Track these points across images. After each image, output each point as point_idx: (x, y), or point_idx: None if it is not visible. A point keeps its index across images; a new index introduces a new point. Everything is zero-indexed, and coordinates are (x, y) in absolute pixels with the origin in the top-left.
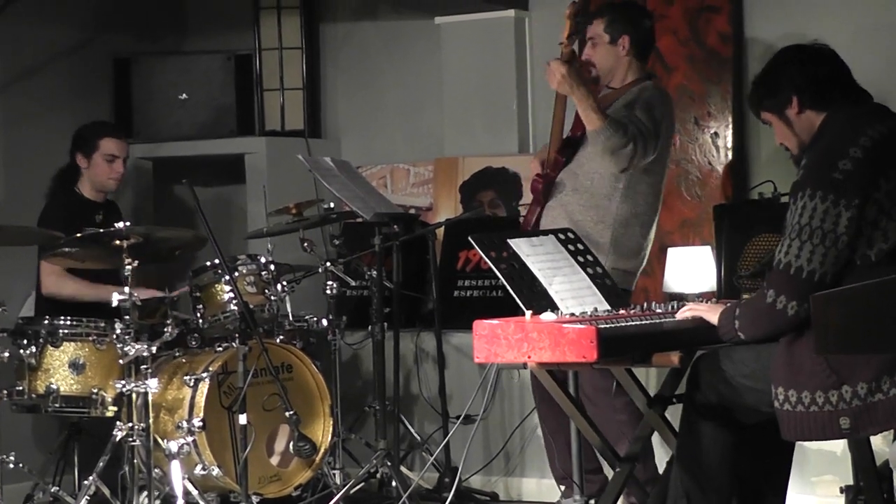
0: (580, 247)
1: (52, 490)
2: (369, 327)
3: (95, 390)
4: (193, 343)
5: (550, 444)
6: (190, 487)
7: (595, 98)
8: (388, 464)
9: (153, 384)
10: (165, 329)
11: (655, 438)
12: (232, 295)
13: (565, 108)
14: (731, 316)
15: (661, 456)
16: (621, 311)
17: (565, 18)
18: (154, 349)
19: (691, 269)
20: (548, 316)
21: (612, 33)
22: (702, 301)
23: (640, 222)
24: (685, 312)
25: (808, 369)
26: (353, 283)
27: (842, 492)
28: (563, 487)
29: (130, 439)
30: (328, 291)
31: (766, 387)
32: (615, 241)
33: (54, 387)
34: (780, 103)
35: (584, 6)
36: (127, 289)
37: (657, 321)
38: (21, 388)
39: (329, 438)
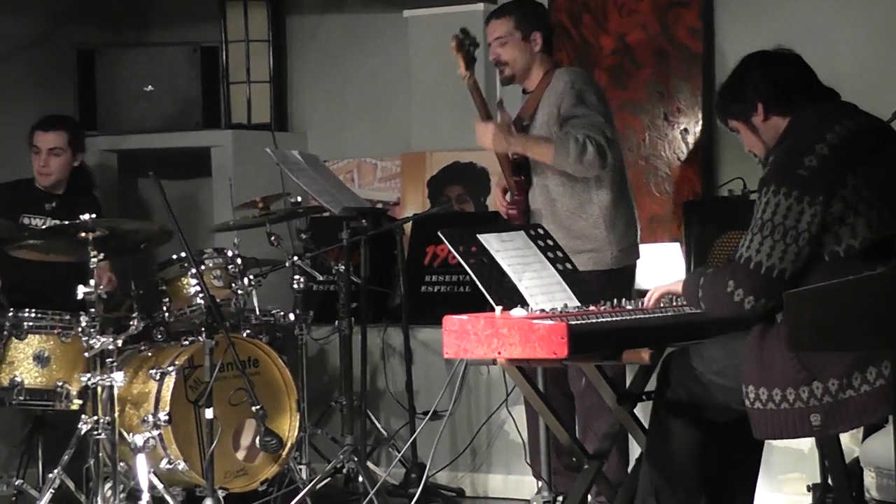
0: (550, 242)
1: (16, 483)
2: (336, 322)
3: (60, 383)
4: (159, 337)
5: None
6: (155, 481)
7: (530, 135)
8: (355, 459)
9: (119, 378)
10: (131, 322)
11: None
12: (198, 289)
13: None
14: (696, 285)
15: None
16: (591, 308)
17: (454, 52)
18: (120, 342)
19: (660, 266)
20: (518, 312)
21: (523, 30)
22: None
23: (620, 195)
24: (654, 296)
25: (778, 366)
26: (320, 278)
27: (809, 490)
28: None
29: (95, 433)
30: (295, 286)
31: (736, 384)
32: (611, 226)
33: (18, 379)
34: (745, 110)
35: (466, 33)
36: (92, 282)
37: (627, 317)
38: None
39: (295, 433)
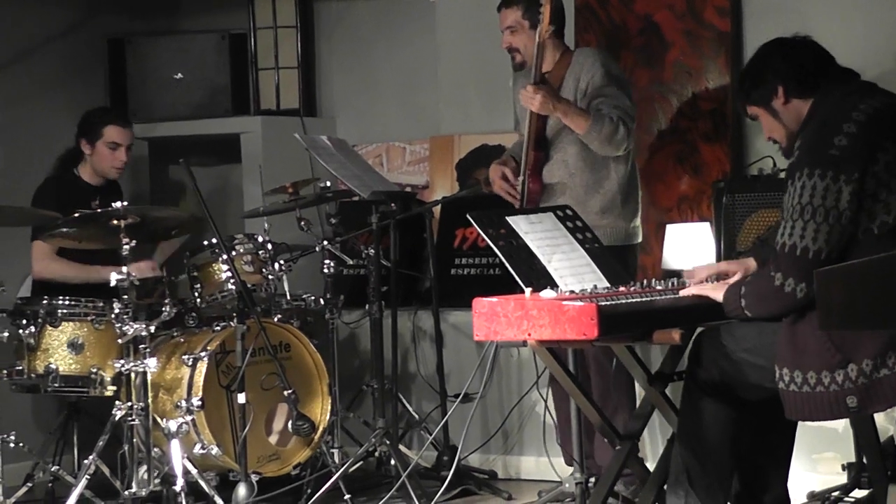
0: (578, 224)
1: (52, 469)
2: (366, 306)
3: (94, 370)
4: (191, 322)
5: (564, 425)
6: (189, 466)
7: (571, 103)
8: (387, 442)
9: (152, 364)
10: (163, 308)
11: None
12: (229, 274)
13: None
14: (737, 294)
15: (663, 433)
16: (621, 289)
17: (546, 5)
18: (152, 329)
19: (690, 246)
20: (547, 293)
21: (531, 19)
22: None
23: (633, 174)
24: (690, 290)
25: (812, 349)
26: (350, 262)
27: (843, 469)
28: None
29: (129, 419)
30: (325, 270)
31: (768, 363)
32: (624, 202)
33: (53, 367)
34: (766, 95)
35: None
36: (124, 268)
37: (658, 298)
38: (20, 368)
39: (327, 417)
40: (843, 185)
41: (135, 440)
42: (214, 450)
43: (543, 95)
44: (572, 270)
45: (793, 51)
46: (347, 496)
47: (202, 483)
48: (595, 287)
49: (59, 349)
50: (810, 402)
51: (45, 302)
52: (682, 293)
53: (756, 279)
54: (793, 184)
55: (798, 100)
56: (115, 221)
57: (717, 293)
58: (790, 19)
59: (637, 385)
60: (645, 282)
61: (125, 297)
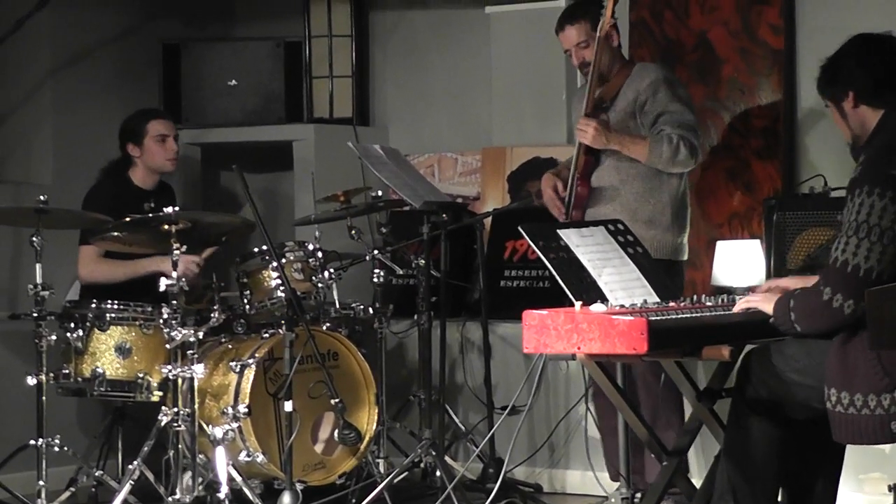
0: (630, 238)
1: (96, 474)
2: (415, 316)
3: (141, 375)
4: (240, 329)
5: (609, 440)
6: (234, 474)
7: (626, 131)
8: (433, 453)
9: (199, 369)
10: (212, 314)
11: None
12: (279, 281)
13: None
14: (786, 307)
15: (711, 450)
16: (671, 304)
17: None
18: (200, 334)
19: (740, 263)
20: (598, 307)
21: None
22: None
23: (686, 188)
24: (740, 303)
25: (861, 371)
26: (399, 272)
27: (890, 490)
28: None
29: (175, 424)
30: (375, 279)
31: (817, 383)
32: (675, 215)
33: (100, 371)
34: (837, 94)
35: None
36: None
37: (707, 314)
38: (67, 371)
39: (374, 427)
40: None
41: (180, 446)
42: (260, 457)
43: (595, 129)
44: (623, 285)
45: (871, 57)
46: None
47: (247, 491)
48: (645, 301)
49: (107, 353)
50: (856, 425)
51: (93, 305)
52: (735, 308)
53: (805, 293)
54: (852, 200)
55: (867, 108)
56: (167, 226)
57: (766, 304)
58: (844, 37)
59: (685, 401)
60: (695, 297)
61: (174, 302)
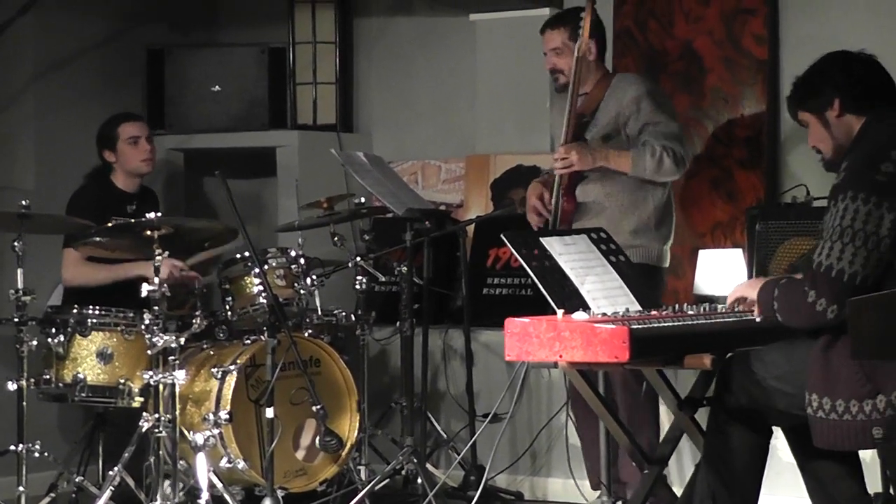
0: (612, 246)
1: (77, 480)
2: (398, 323)
3: (122, 380)
4: (221, 335)
5: (589, 448)
6: (215, 480)
7: (609, 148)
8: (415, 461)
9: (180, 375)
10: (194, 320)
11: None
12: (261, 288)
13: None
14: (771, 295)
15: (691, 458)
16: (653, 312)
17: (589, 14)
18: (182, 340)
19: (723, 272)
20: (580, 315)
21: (576, 41)
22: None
23: (670, 198)
24: (729, 298)
25: (843, 377)
26: (382, 279)
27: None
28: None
29: (156, 430)
30: (357, 286)
31: (798, 390)
32: (658, 225)
33: (81, 376)
34: (821, 104)
35: None
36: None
37: (689, 322)
38: (48, 376)
39: (355, 434)
40: (885, 211)
41: (161, 452)
42: (241, 464)
43: (578, 152)
44: (605, 293)
45: (856, 66)
46: None
47: (227, 497)
48: (627, 310)
49: (88, 359)
50: (837, 430)
51: (74, 311)
52: (727, 302)
53: (791, 286)
54: (835, 205)
55: (852, 115)
56: (149, 232)
57: (751, 290)
58: (828, 48)
59: (662, 410)
60: (677, 306)
61: (156, 308)
